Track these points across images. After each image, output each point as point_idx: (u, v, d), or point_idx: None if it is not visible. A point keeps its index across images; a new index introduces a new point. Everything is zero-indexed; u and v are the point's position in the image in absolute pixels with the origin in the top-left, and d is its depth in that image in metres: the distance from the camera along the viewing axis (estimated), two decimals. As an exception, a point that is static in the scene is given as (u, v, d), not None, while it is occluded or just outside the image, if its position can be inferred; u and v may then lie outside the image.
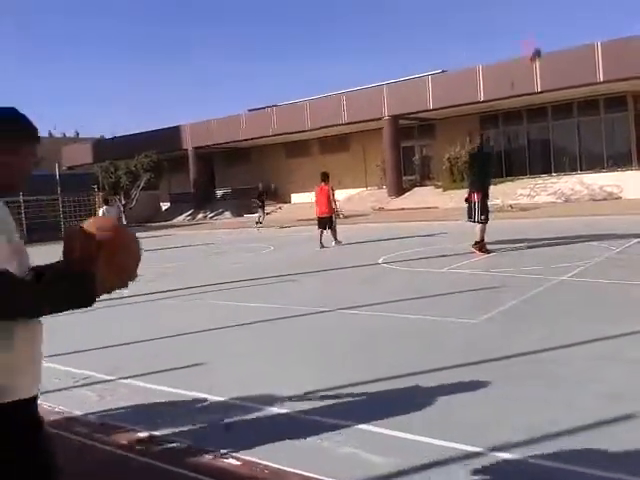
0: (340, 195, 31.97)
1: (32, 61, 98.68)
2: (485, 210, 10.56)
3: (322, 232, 14.13)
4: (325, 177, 14.68)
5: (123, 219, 27.66)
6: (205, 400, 4.23)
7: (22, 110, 1.85)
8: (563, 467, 2.92)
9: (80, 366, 5.30)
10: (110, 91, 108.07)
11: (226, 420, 3.82)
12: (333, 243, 14.35)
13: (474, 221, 10.71)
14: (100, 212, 20.78)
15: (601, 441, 3.13)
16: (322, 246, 13.95)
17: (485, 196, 10.61)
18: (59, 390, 4.68)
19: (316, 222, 14.58)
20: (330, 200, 14.35)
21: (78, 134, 50.31)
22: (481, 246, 10.57)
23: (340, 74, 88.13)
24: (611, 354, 4.58)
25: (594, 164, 25.59)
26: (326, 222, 14.29)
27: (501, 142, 29.29)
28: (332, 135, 32.84)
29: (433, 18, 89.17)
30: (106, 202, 19.76)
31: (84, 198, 29.44)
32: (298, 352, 5.34)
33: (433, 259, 10.46)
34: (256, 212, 25.96)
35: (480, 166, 10.93)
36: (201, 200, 35.72)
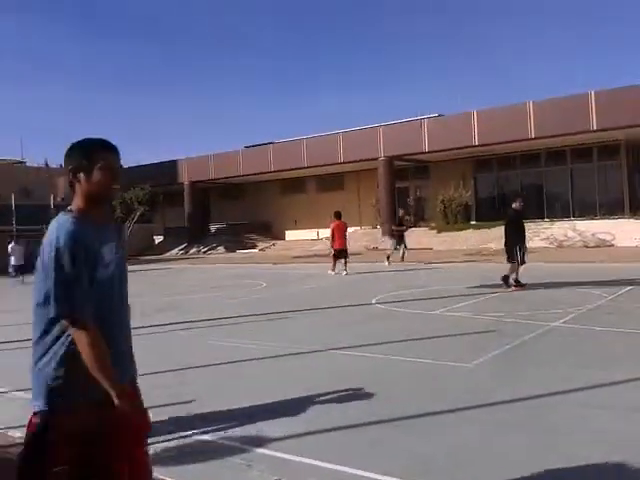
0: (334, 234, 32.16)
1: (24, 87, 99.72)
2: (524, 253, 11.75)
3: (337, 261, 16.40)
4: (339, 215, 17.02)
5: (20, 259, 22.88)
6: (192, 438, 4.14)
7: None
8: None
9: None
10: (107, 123, 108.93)
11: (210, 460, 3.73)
12: (344, 273, 16.19)
13: (513, 262, 11.60)
14: (9, 248, 20.70)
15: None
16: (342, 272, 16.14)
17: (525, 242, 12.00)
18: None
19: (338, 254, 16.63)
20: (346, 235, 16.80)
21: (75, 165, 50.41)
22: (515, 282, 11.43)
23: (338, 114, 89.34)
24: (602, 401, 4.53)
25: (587, 211, 25.84)
26: (344, 253, 16.56)
27: (494, 186, 29.61)
28: (328, 174, 33.13)
29: (430, 63, 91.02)
30: (13, 239, 19.55)
31: (78, 229, 29.30)
32: (285, 392, 5.26)
33: (426, 301, 10.44)
34: (392, 243, 19.86)
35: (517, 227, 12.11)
36: (195, 234, 35.72)
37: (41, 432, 2.05)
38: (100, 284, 2.11)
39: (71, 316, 2.03)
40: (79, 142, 2.23)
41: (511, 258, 11.66)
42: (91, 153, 2.19)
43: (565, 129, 23.33)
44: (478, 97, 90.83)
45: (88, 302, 2.04)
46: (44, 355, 2.10)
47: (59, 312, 2.04)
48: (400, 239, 19.66)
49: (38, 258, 2.14)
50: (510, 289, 11.27)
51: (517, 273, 11.53)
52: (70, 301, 2.03)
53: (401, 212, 21.58)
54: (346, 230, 17.04)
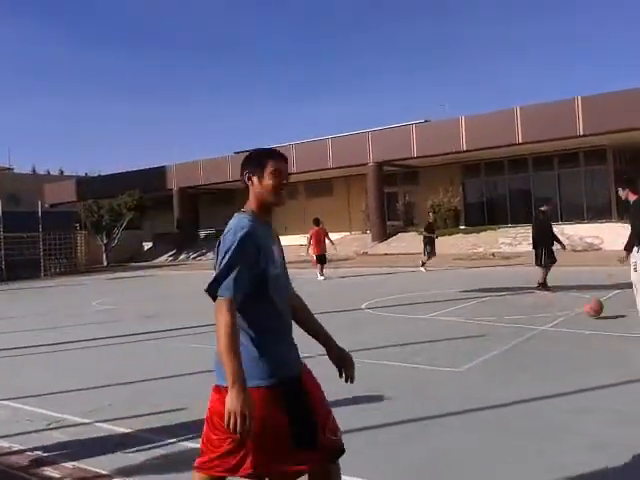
0: (324, 239, 32.15)
1: (10, 95, 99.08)
2: (551, 256, 11.90)
3: (321, 266, 17.17)
4: (318, 221, 17.73)
5: None
6: (184, 447, 4.11)
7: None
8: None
9: (54, 408, 5.14)
10: (96, 130, 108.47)
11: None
12: (322, 277, 16.94)
13: (541, 265, 11.69)
14: None
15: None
16: (323, 276, 16.96)
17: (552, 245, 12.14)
18: (30, 432, 4.53)
19: (314, 259, 17.38)
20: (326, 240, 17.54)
21: (62, 172, 50.30)
22: (543, 285, 11.50)
23: (326, 119, 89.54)
24: (591, 405, 4.55)
25: (574, 215, 26.03)
26: (323, 259, 17.40)
27: (483, 191, 29.77)
28: (317, 179, 33.15)
29: (419, 71, 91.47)
30: None
31: (66, 236, 29.15)
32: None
33: (416, 305, 10.46)
34: (427, 249, 18.44)
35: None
36: (184, 241, 35.58)
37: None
38: (274, 280, 2.36)
39: (224, 296, 2.24)
40: (255, 150, 2.56)
41: (539, 261, 11.73)
42: (263, 160, 2.48)
43: (552, 134, 23.52)
44: (465, 103, 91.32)
45: (241, 291, 2.25)
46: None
47: (214, 289, 2.29)
48: (432, 244, 18.46)
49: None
50: (545, 292, 11.24)
51: (544, 276, 11.57)
52: (228, 284, 2.24)
53: (431, 217, 20.20)
54: (326, 236, 17.65)
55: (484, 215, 29.21)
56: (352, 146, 29.05)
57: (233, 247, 2.26)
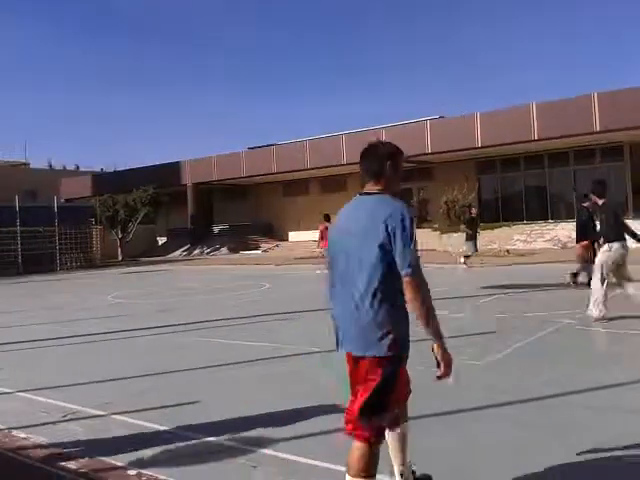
0: (337, 235, 32.05)
1: (26, 91, 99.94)
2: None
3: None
4: (328, 217, 17.94)
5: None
6: (197, 439, 4.13)
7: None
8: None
9: (69, 400, 5.19)
10: (110, 125, 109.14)
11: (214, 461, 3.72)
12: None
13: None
14: None
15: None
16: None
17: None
18: (47, 424, 4.57)
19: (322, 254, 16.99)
20: None
21: (78, 167, 50.65)
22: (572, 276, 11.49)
23: (341, 115, 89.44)
24: (610, 402, 4.51)
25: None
26: None
27: (498, 188, 29.58)
28: (331, 175, 33.13)
29: (432, 64, 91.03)
30: None
31: (81, 231, 29.39)
32: (289, 393, 5.25)
33: (436, 301, 10.39)
34: (471, 244, 17.82)
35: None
36: (198, 236, 35.73)
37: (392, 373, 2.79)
38: None
39: (417, 271, 2.64)
40: (387, 144, 3.06)
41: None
42: (395, 156, 2.96)
43: (568, 131, 23.29)
44: (480, 100, 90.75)
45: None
46: (383, 308, 2.73)
47: (412, 265, 2.62)
48: (474, 240, 17.86)
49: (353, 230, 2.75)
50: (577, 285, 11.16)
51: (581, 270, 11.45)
52: (417, 261, 2.64)
53: (474, 211, 19.60)
54: None
55: (499, 212, 29.03)
56: (366, 142, 28.80)
57: (415, 233, 2.66)
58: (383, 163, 2.87)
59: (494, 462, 3.54)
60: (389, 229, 2.60)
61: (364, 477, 2.73)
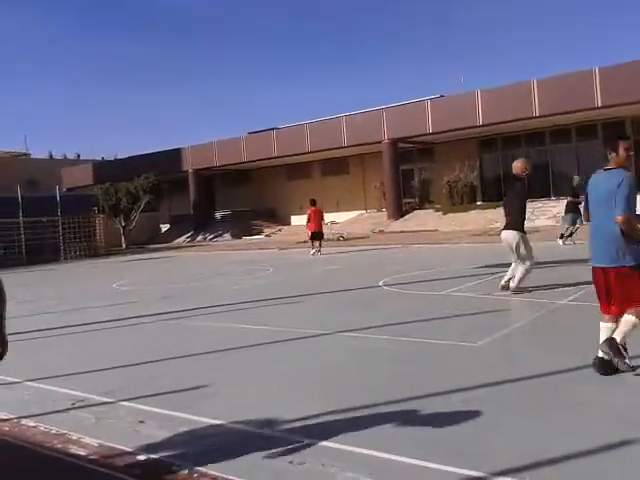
0: (340, 217, 32.14)
1: (26, 82, 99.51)
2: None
3: (315, 243, 18.92)
4: (314, 202, 19.76)
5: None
6: (206, 423, 4.17)
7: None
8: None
9: (77, 388, 5.23)
10: (111, 113, 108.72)
11: (224, 443, 3.76)
12: (319, 253, 18.56)
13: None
14: None
15: (609, 464, 3.08)
16: (317, 253, 18.62)
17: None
18: (55, 412, 4.62)
19: (312, 237, 19.19)
20: (323, 219, 19.74)
21: (79, 156, 50.54)
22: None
23: (339, 98, 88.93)
24: (612, 379, 4.52)
25: (593, 188, 25.67)
26: (320, 236, 19.19)
27: (500, 166, 29.46)
28: (332, 158, 33.03)
29: (431, 41, 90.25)
30: None
31: (84, 220, 29.43)
32: (298, 376, 5.29)
33: (433, 282, 10.43)
34: (569, 218, 16.52)
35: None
36: (201, 222, 35.75)
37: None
38: None
39: (628, 215, 4.35)
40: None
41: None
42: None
43: (569, 107, 23.14)
44: (481, 78, 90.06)
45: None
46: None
47: (625, 212, 4.33)
48: (577, 212, 15.81)
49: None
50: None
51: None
52: (630, 208, 4.35)
53: (576, 179, 17.53)
54: (322, 216, 19.59)
55: (501, 190, 28.92)
56: (366, 124, 28.83)
57: (632, 187, 4.37)
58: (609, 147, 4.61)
59: (494, 442, 3.57)
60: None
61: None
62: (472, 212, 26.16)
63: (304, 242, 22.44)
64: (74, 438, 4.06)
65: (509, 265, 11.70)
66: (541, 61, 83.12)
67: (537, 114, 24.06)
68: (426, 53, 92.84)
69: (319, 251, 18.75)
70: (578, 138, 27.01)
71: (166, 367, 5.87)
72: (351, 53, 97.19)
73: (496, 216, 24.72)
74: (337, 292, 10.30)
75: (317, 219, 19.18)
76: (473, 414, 3.96)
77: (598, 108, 22.96)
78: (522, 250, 8.43)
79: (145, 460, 3.60)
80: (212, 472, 3.33)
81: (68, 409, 4.70)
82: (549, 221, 23.45)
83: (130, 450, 3.76)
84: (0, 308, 3.21)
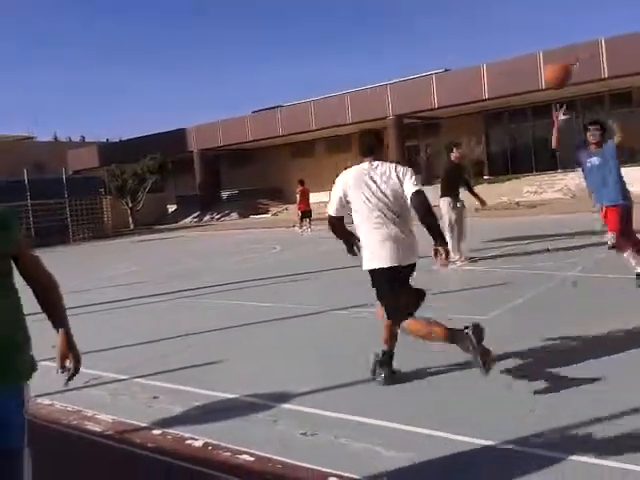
0: (346, 195, 31.97)
1: (29, 67, 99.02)
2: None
3: (303, 221, 19.51)
4: (303, 182, 20.62)
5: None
6: (218, 398, 4.24)
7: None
8: (579, 459, 2.91)
9: (91, 366, 5.30)
10: (115, 95, 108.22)
11: (239, 417, 3.83)
12: (310, 230, 18.89)
13: None
14: None
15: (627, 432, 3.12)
16: (306, 231, 19.03)
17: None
18: (71, 390, 4.69)
19: (302, 215, 19.64)
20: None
21: (84, 138, 50.53)
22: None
23: (342, 75, 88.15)
24: (624, 348, 4.55)
25: (600, 160, 25.49)
26: (309, 214, 19.69)
27: (506, 140, 29.26)
28: (337, 135, 32.86)
29: (433, 16, 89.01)
30: None
31: (91, 201, 29.52)
32: (307, 351, 5.35)
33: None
34: None
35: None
36: (207, 202, 35.77)
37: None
38: None
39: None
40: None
41: None
42: None
43: (576, 78, 22.58)
44: (485, 50, 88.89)
45: None
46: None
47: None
48: None
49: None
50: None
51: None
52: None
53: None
54: (308, 194, 20.40)
55: (508, 164, 28.78)
56: (371, 100, 28.61)
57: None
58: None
59: (503, 414, 3.62)
60: None
61: None
62: (479, 187, 25.94)
63: (311, 220, 22.50)
64: (89, 415, 4.14)
65: (517, 239, 11.72)
66: (547, 33, 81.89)
67: (543, 87, 23.75)
68: (428, 25, 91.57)
69: (309, 228, 19.19)
70: (585, 110, 26.73)
71: (178, 344, 5.94)
72: (353, 30, 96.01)
73: (503, 190, 24.65)
74: (343, 269, 10.32)
75: (306, 198, 20.01)
76: (485, 386, 4.01)
77: (604, 79, 22.68)
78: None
79: (160, 434, 3.68)
80: (225, 444, 3.40)
81: (83, 387, 4.78)
82: (556, 194, 23.34)
83: (145, 425, 3.84)
84: (60, 310, 2.56)
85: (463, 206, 10.04)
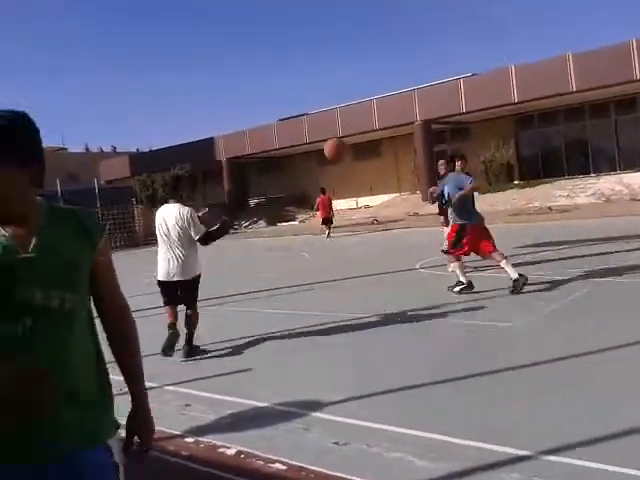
0: (373, 201, 31.97)
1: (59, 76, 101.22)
2: None
3: (327, 227, 20.46)
4: (324, 190, 21.77)
5: None
6: (249, 406, 4.24)
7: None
8: (608, 469, 2.83)
9: (118, 374, 5.36)
10: (143, 105, 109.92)
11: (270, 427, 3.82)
12: (329, 238, 19.66)
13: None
14: None
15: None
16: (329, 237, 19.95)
17: None
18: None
19: (323, 222, 20.76)
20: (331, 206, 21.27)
21: (115, 148, 51.34)
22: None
23: (368, 81, 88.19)
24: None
25: (633, 163, 25.00)
26: (329, 221, 20.69)
27: (537, 143, 28.86)
28: (364, 141, 32.81)
29: (461, 24, 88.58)
30: None
31: (123, 211, 30.00)
32: (339, 359, 5.33)
33: (473, 262, 10.32)
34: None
35: None
36: (235, 210, 36.02)
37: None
38: None
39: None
40: None
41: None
42: None
43: (607, 80, 22.46)
44: (514, 53, 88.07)
45: None
46: None
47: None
48: None
49: None
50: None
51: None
52: None
53: None
54: (330, 203, 21.14)
55: (539, 168, 28.37)
56: (398, 106, 28.53)
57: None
58: None
59: (546, 420, 3.55)
60: None
61: None
62: (509, 191, 25.72)
63: (337, 227, 22.52)
64: (122, 423, 4.18)
65: (547, 245, 11.54)
66: (575, 34, 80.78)
67: (574, 89, 23.44)
68: (455, 32, 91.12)
69: (329, 235, 20.02)
70: (617, 112, 26.25)
71: (210, 353, 5.97)
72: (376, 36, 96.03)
73: (534, 195, 24.32)
74: (374, 275, 10.29)
75: (325, 207, 20.78)
76: (516, 394, 3.95)
77: (637, 81, 22.25)
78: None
79: (193, 442, 3.69)
80: (258, 453, 3.40)
81: (115, 395, 4.82)
82: (589, 198, 22.92)
83: (178, 433, 3.86)
84: (132, 350, 1.88)
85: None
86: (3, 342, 1.47)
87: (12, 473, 1.50)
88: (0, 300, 1.47)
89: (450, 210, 8.41)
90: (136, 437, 1.81)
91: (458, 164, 8.89)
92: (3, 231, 1.53)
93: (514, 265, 9.28)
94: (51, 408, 1.52)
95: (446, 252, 8.44)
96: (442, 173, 9.25)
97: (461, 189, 7.88)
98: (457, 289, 7.68)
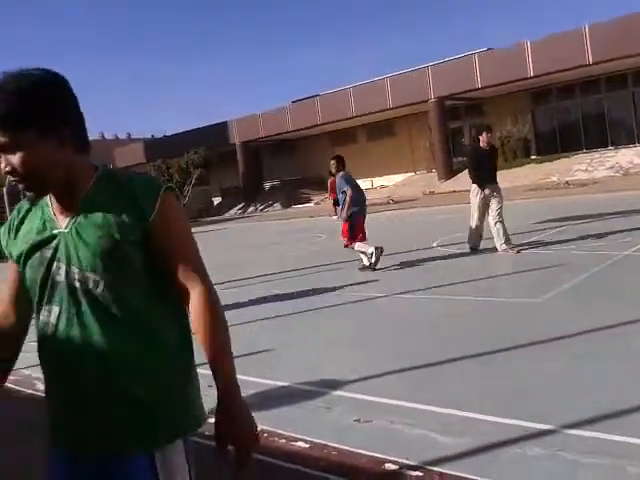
0: (388, 181, 31.80)
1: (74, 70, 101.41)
2: None
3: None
4: (333, 173, 20.90)
5: None
6: (271, 385, 4.28)
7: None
8: (635, 442, 2.82)
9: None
10: (158, 90, 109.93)
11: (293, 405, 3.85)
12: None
13: None
14: None
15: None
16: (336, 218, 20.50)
17: None
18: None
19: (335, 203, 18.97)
20: None
21: (130, 135, 51.53)
22: None
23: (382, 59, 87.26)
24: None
25: (653, 135, 24.58)
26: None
27: (554, 118, 28.45)
28: (377, 121, 32.57)
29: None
30: None
31: (139, 197, 30.17)
32: (361, 337, 5.34)
33: (489, 240, 10.25)
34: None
35: None
36: (250, 193, 36.08)
37: None
38: None
39: None
40: None
41: None
42: None
43: (624, 51, 22.01)
44: (529, 27, 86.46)
45: None
46: None
47: None
48: None
49: None
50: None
51: None
52: None
53: None
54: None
55: (556, 143, 28.00)
56: (412, 83, 28.23)
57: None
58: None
59: (562, 394, 3.54)
60: None
61: None
62: (526, 167, 25.44)
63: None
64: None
65: (566, 220, 11.44)
66: (592, 5, 79.01)
67: (591, 62, 23.02)
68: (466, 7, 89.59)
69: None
70: (635, 84, 25.75)
71: (230, 333, 6.00)
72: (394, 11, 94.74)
73: (552, 170, 24.04)
74: (392, 255, 10.27)
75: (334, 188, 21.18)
76: (541, 369, 3.93)
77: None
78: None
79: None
80: (280, 431, 3.42)
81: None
82: (607, 172, 22.61)
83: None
84: (216, 341, 1.60)
85: (493, 194, 9.08)
86: (44, 328, 1.41)
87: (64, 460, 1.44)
88: (40, 281, 1.41)
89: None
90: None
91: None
92: (48, 201, 1.45)
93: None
94: (86, 400, 1.39)
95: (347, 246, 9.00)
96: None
97: (343, 192, 9.11)
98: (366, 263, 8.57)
